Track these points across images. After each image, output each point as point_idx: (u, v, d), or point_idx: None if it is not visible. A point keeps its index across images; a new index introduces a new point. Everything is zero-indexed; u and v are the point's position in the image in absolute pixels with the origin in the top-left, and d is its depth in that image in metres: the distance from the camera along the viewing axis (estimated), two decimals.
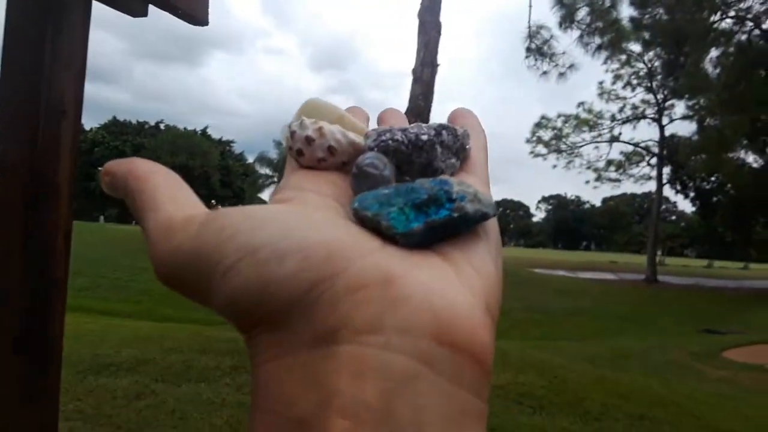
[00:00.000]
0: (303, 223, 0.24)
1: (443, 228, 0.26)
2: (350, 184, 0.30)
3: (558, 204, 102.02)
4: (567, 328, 12.91)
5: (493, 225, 0.28)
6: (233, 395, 4.07)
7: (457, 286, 0.24)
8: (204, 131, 59.55)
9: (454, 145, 0.31)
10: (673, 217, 68.59)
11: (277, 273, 0.23)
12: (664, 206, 50.43)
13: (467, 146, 0.32)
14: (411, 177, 0.30)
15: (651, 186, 29.20)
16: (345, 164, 0.32)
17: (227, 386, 4.24)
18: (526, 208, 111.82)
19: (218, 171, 54.88)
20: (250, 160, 57.57)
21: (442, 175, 0.30)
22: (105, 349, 4.88)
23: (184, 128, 58.03)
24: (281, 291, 0.22)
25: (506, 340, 8.74)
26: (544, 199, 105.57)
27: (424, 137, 0.30)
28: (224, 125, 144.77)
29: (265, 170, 50.94)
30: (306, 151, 0.31)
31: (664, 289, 21.81)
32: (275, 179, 50.37)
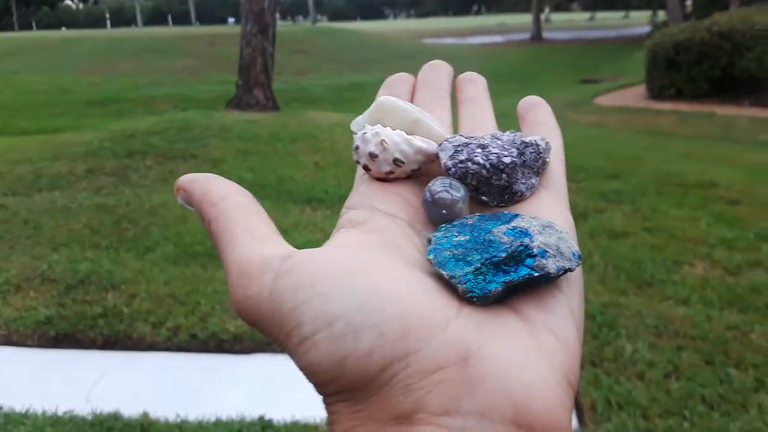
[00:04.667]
0: (378, 287, 0.23)
1: (522, 285, 0.25)
2: (423, 207, 0.29)
3: None
4: (452, 96, 13.05)
5: (575, 273, 0.27)
6: (91, 199, 3.85)
7: (535, 360, 0.23)
8: None
9: (535, 164, 0.30)
10: None
11: (353, 350, 0.22)
12: None
13: (548, 160, 0.31)
14: (489, 198, 0.29)
15: None
16: (416, 170, 0.31)
17: (84, 191, 4.00)
18: None
19: None
20: None
21: (521, 197, 0.29)
22: None
23: None
24: (356, 368, 0.22)
25: None
26: None
27: (507, 160, 0.29)
28: None
29: None
30: (372, 166, 0.30)
31: (548, 46, 22.22)
32: None
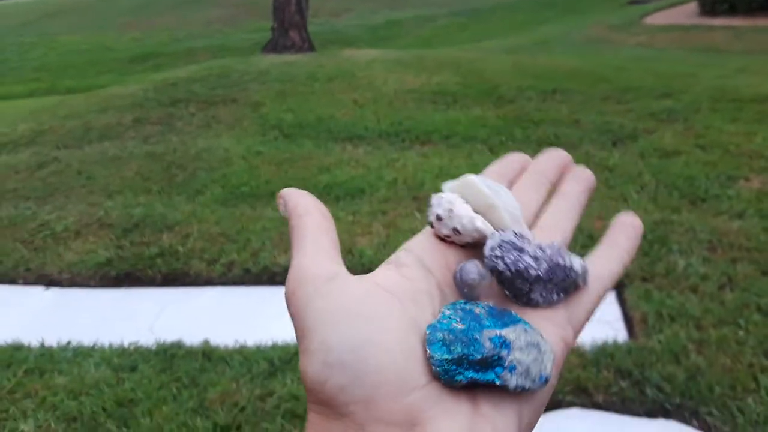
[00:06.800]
0: (376, 338, 0.28)
1: (484, 385, 0.28)
2: (453, 283, 0.32)
3: None
4: (491, 27, 12.68)
5: (541, 392, 0.30)
6: (139, 147, 3.94)
7: None
8: None
9: (563, 283, 0.32)
10: None
11: (332, 378, 0.27)
12: None
13: (581, 285, 0.33)
14: (510, 293, 0.32)
15: None
16: (470, 244, 0.34)
17: (132, 140, 4.09)
18: None
19: None
20: None
21: (536, 305, 0.32)
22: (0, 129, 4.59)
23: None
24: (329, 393, 0.27)
25: (425, 48, 8.56)
26: None
27: (533, 273, 0.31)
28: None
29: None
30: (435, 225, 0.34)
31: None
32: None
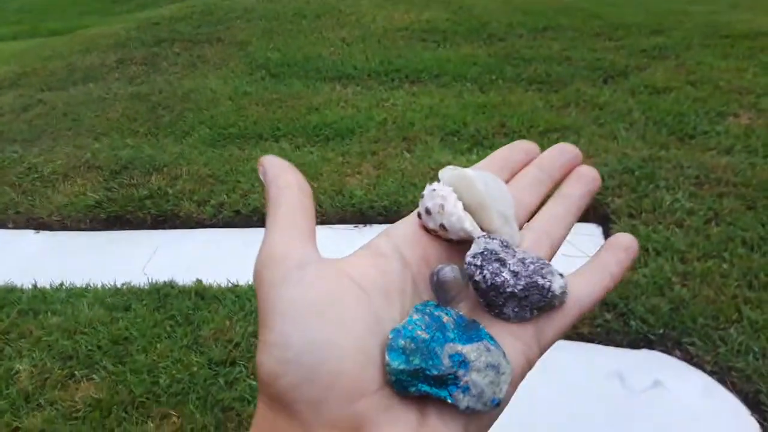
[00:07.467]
0: (336, 339, 0.27)
1: (435, 399, 0.28)
2: (429, 282, 0.32)
3: None
4: None
5: (490, 415, 0.29)
6: (124, 88, 3.87)
7: None
8: None
9: (538, 303, 0.32)
10: None
11: (285, 375, 0.27)
12: None
13: (555, 304, 0.32)
14: (483, 302, 0.32)
15: None
16: (454, 242, 0.33)
17: (117, 81, 4.02)
18: None
19: None
20: None
21: (507, 319, 0.32)
22: None
23: None
24: (280, 389, 0.27)
25: None
26: None
27: (508, 289, 0.31)
28: None
29: None
30: (423, 217, 0.33)
31: None
32: None
